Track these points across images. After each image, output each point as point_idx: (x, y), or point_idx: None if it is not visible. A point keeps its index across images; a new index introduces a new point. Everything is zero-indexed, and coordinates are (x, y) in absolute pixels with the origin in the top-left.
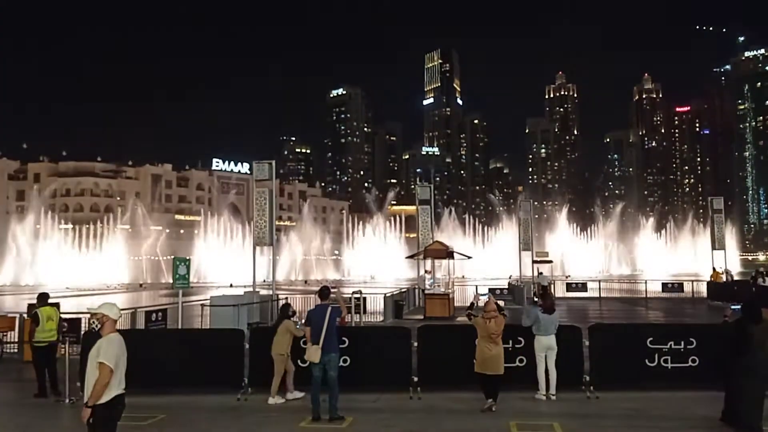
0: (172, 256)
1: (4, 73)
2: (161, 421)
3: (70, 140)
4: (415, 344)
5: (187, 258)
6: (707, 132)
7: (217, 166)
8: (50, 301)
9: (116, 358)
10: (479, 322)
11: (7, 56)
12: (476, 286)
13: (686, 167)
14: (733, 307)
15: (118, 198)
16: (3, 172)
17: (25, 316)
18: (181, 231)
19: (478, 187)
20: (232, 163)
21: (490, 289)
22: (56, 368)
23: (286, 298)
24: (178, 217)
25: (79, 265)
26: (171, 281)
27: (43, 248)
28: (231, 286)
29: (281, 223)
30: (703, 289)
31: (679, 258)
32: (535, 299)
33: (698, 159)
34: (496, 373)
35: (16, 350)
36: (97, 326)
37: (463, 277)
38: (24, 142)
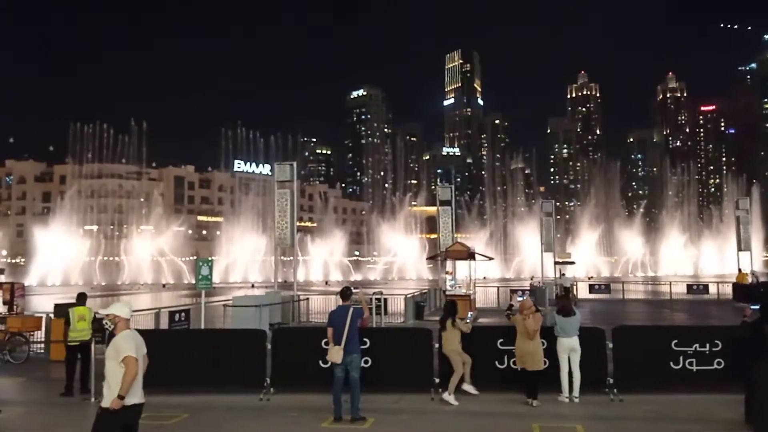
0: (195, 257)
1: (29, 79)
2: (184, 420)
3: (94, 142)
4: (437, 345)
5: (210, 259)
6: (732, 131)
7: (238, 167)
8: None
9: (136, 349)
10: (517, 319)
11: (29, 60)
12: (519, 289)
13: (711, 167)
14: (753, 306)
15: (142, 199)
16: (30, 174)
17: (51, 315)
18: (204, 232)
19: (499, 188)
20: (253, 164)
21: (512, 290)
22: (90, 366)
23: (308, 298)
24: (200, 218)
25: (103, 265)
26: (193, 282)
27: (68, 249)
28: (253, 286)
29: (302, 224)
30: (728, 290)
31: (704, 259)
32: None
33: (723, 159)
34: (535, 369)
35: (42, 350)
36: (110, 327)
37: (484, 278)
38: (50, 145)
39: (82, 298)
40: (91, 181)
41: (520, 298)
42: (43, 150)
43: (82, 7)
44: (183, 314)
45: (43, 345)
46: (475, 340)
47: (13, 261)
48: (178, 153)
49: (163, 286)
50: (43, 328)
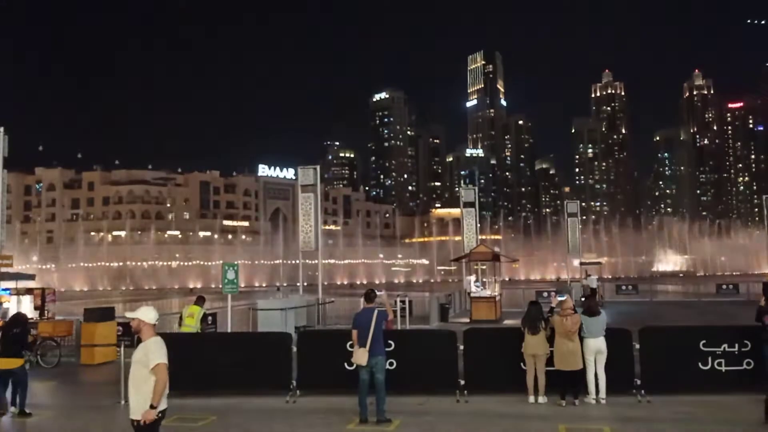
0: (221, 262)
1: (58, 88)
2: (212, 423)
3: (122, 148)
4: (462, 347)
5: (236, 263)
6: (761, 128)
7: (263, 171)
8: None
9: (166, 357)
10: (556, 320)
11: (58, 70)
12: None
13: (740, 165)
14: None
15: (168, 205)
16: (59, 182)
17: (81, 320)
18: (229, 236)
19: (524, 189)
20: (277, 168)
21: (537, 292)
22: None
23: (333, 301)
24: (226, 222)
25: (131, 270)
26: (220, 286)
27: (97, 255)
28: (278, 290)
29: (326, 227)
30: (759, 290)
31: (734, 258)
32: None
33: (752, 156)
34: (574, 369)
35: (73, 354)
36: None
37: (509, 280)
38: (79, 152)
39: (199, 300)
40: (119, 187)
41: (561, 298)
42: (71, 157)
43: (106, 8)
44: (210, 318)
45: (74, 349)
46: (501, 341)
47: (43, 267)
48: (201, 156)
49: (191, 290)
50: (74, 333)
